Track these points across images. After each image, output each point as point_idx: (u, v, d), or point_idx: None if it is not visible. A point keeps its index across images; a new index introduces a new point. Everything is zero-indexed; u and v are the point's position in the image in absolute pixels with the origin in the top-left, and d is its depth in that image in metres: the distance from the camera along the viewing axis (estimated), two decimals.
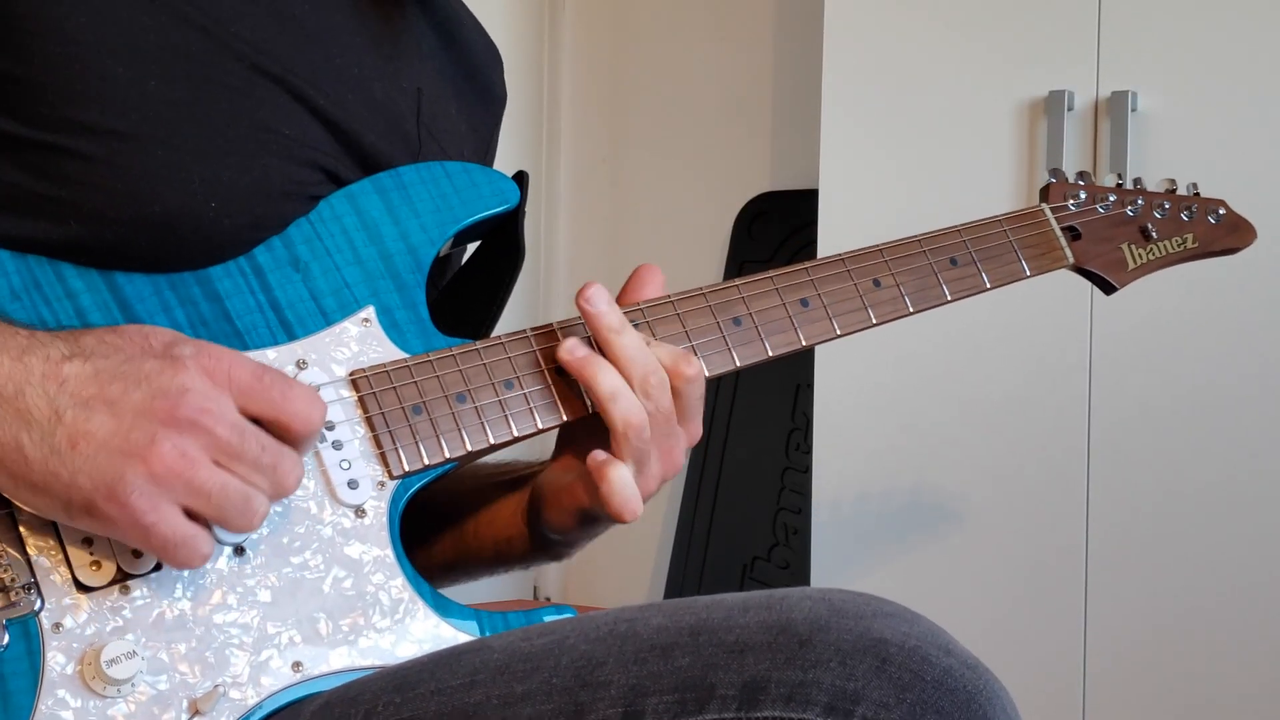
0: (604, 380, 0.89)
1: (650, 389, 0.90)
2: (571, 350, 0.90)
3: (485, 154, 1.10)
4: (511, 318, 1.01)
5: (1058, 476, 2.05)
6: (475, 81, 1.08)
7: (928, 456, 2.15)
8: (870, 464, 2.19)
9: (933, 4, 2.17)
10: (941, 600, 2.05)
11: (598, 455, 0.90)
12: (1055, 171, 1.15)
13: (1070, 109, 2.03)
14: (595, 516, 0.94)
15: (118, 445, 0.73)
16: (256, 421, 0.78)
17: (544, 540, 1.00)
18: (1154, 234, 1.15)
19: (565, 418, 0.91)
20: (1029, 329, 2.05)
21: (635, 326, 0.93)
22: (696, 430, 0.94)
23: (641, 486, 0.90)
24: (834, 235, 2.20)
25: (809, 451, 2.32)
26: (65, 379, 0.74)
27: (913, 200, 2.16)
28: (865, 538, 2.21)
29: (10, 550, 0.77)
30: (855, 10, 2.22)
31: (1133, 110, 1.99)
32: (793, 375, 2.56)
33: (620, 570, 2.91)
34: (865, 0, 2.21)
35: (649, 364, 0.90)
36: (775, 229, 2.72)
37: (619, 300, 0.96)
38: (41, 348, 0.75)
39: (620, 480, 0.89)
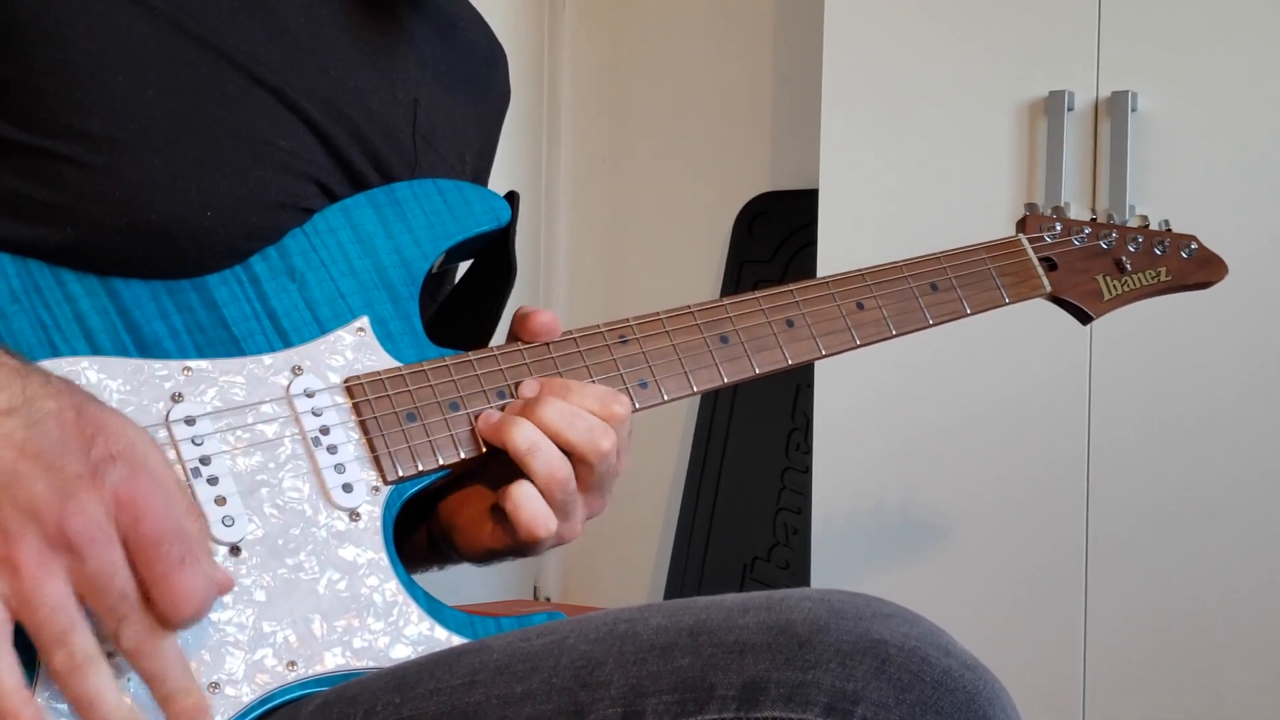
0: (519, 436, 0.88)
1: (589, 453, 0.89)
2: (486, 419, 0.90)
3: (490, 152, 1.10)
4: (510, 319, 1.01)
5: (1058, 478, 2.05)
6: (479, 83, 1.09)
7: (928, 457, 2.15)
8: (870, 464, 2.19)
9: (933, 4, 2.17)
10: (942, 601, 2.05)
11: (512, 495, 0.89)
12: (1030, 205, 1.18)
13: (1070, 109, 2.03)
14: (505, 554, 0.94)
15: None
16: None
17: (444, 555, 1.00)
18: (1128, 266, 1.18)
19: None
20: (1029, 331, 2.05)
21: (624, 342, 0.95)
22: (620, 466, 0.94)
23: (566, 531, 0.90)
24: (834, 235, 2.20)
25: (809, 451, 2.32)
26: None
27: (912, 200, 2.16)
28: (865, 538, 2.21)
29: None
30: (855, 10, 2.22)
31: (1133, 110, 1.99)
32: (793, 375, 2.57)
33: (620, 570, 2.91)
34: (865, 1, 2.21)
35: (579, 420, 0.89)
36: (775, 229, 2.72)
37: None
38: None
39: (527, 498, 0.88)
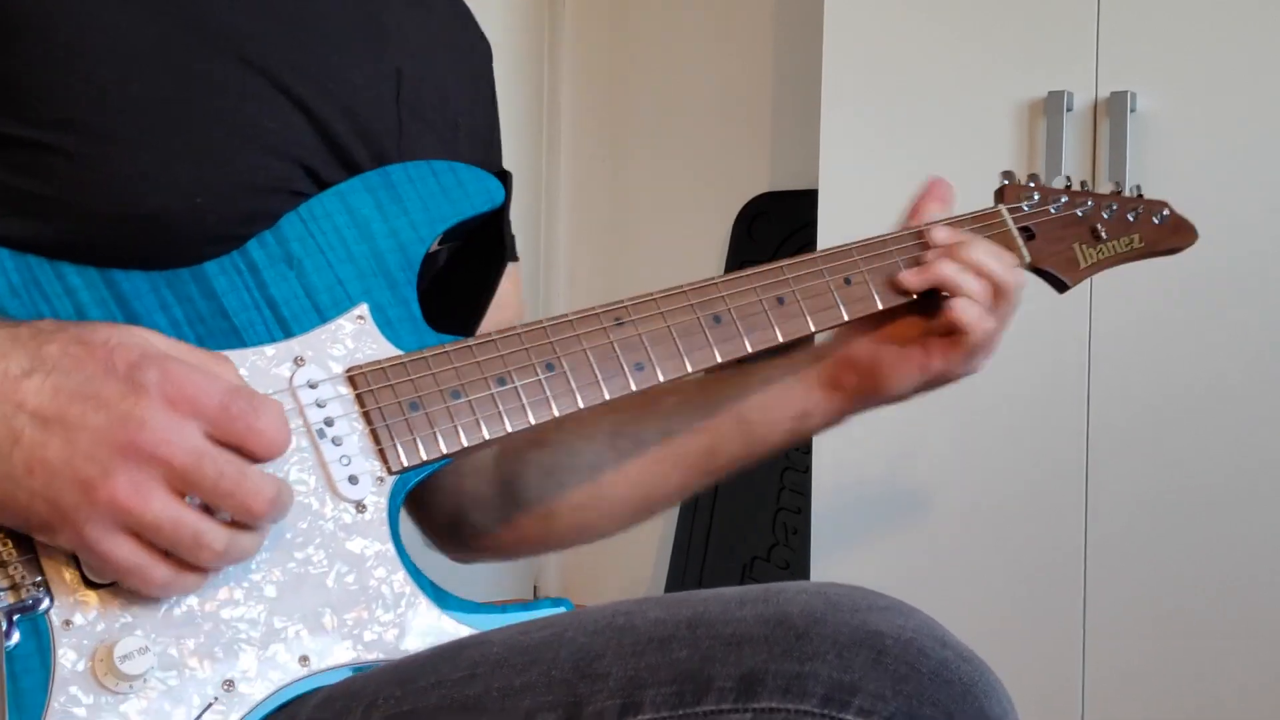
0: (948, 268, 1.04)
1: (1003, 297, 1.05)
2: (914, 269, 1.06)
3: (490, 106, 1.10)
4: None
5: (1057, 475, 2.05)
6: (456, 44, 1.08)
7: (927, 456, 2.16)
8: (870, 463, 2.20)
9: (932, 4, 2.17)
10: (941, 599, 2.04)
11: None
12: (1008, 173, 1.18)
13: (1069, 109, 2.03)
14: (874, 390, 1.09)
15: (71, 475, 0.73)
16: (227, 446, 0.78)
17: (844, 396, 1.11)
18: (1103, 234, 1.19)
19: (556, 413, 0.93)
20: (1028, 327, 2.03)
21: (619, 324, 0.96)
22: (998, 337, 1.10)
23: (975, 364, 1.08)
24: (834, 235, 2.19)
25: (809, 451, 2.32)
26: (23, 399, 0.74)
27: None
28: (865, 537, 2.21)
29: (19, 548, 0.77)
30: (855, 10, 2.22)
31: (1132, 111, 1.99)
32: None
33: (620, 570, 2.91)
34: (865, 1, 2.22)
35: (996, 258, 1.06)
36: (775, 229, 2.72)
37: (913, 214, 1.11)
38: (0, 361, 0.74)
39: (973, 312, 1.05)
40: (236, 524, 0.78)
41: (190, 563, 0.77)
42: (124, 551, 0.75)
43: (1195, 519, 1.96)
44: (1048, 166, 2.04)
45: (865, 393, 1.10)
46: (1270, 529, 1.92)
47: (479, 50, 1.11)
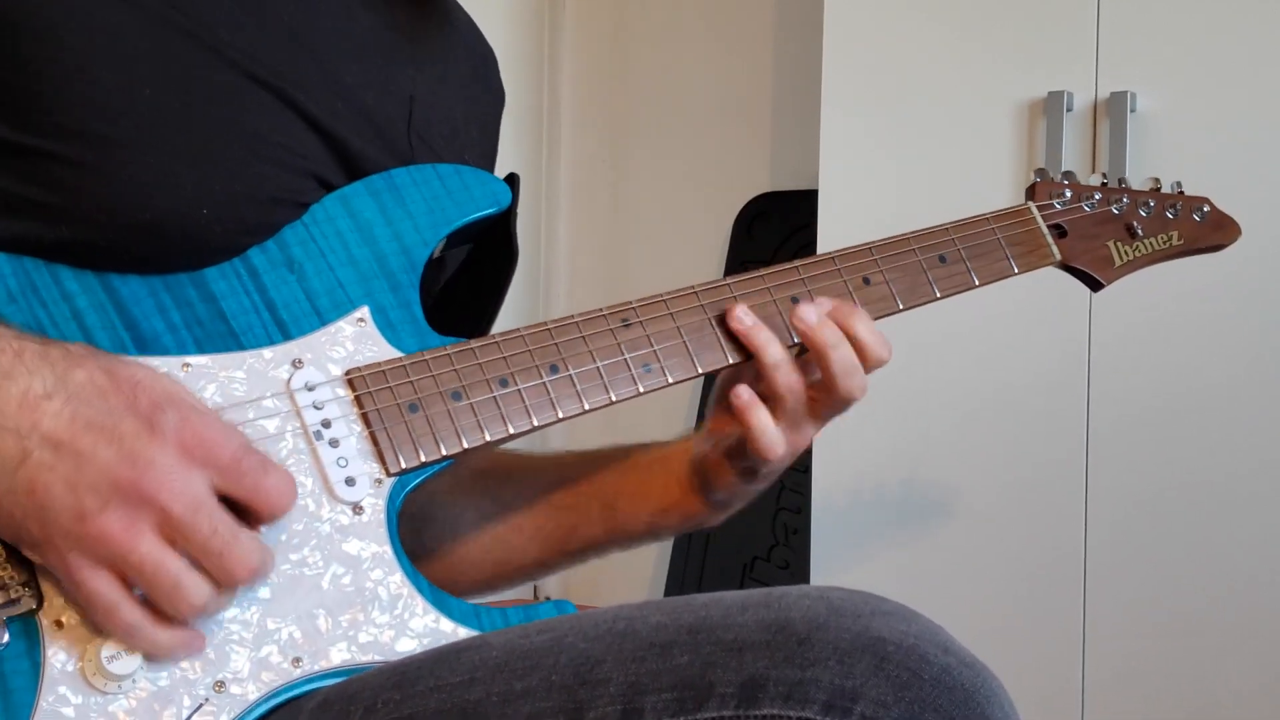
0: (772, 351, 0.96)
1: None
2: (740, 319, 0.96)
3: (492, 154, 1.10)
4: (512, 318, 1.01)
5: (1057, 474, 2.05)
6: (476, 83, 1.08)
7: (927, 456, 2.15)
8: (870, 463, 2.19)
9: (932, 4, 2.17)
10: (941, 599, 2.05)
11: (741, 395, 0.96)
12: (1040, 171, 1.16)
13: (1069, 110, 2.03)
14: (752, 468, 0.99)
15: (70, 503, 0.73)
16: (228, 498, 0.78)
17: (709, 503, 1.05)
18: (1139, 231, 1.16)
19: (559, 415, 0.92)
20: (1028, 328, 2.05)
21: (626, 325, 0.95)
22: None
23: (792, 441, 0.97)
24: (834, 236, 2.20)
25: (809, 451, 2.32)
26: (39, 420, 0.74)
27: (912, 200, 2.16)
28: (865, 537, 2.21)
29: (9, 548, 0.77)
30: (855, 10, 2.22)
31: (1132, 111, 1.99)
32: None
33: (620, 570, 2.91)
34: (865, 0, 2.22)
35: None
36: (775, 229, 2.72)
37: None
38: (25, 377, 0.74)
39: (762, 423, 0.96)
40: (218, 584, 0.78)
41: (166, 613, 0.76)
42: (100, 585, 0.75)
43: (1195, 520, 1.96)
44: (1048, 167, 2.04)
45: (707, 494, 1.05)
46: (1270, 529, 1.92)
47: (494, 96, 1.11)
